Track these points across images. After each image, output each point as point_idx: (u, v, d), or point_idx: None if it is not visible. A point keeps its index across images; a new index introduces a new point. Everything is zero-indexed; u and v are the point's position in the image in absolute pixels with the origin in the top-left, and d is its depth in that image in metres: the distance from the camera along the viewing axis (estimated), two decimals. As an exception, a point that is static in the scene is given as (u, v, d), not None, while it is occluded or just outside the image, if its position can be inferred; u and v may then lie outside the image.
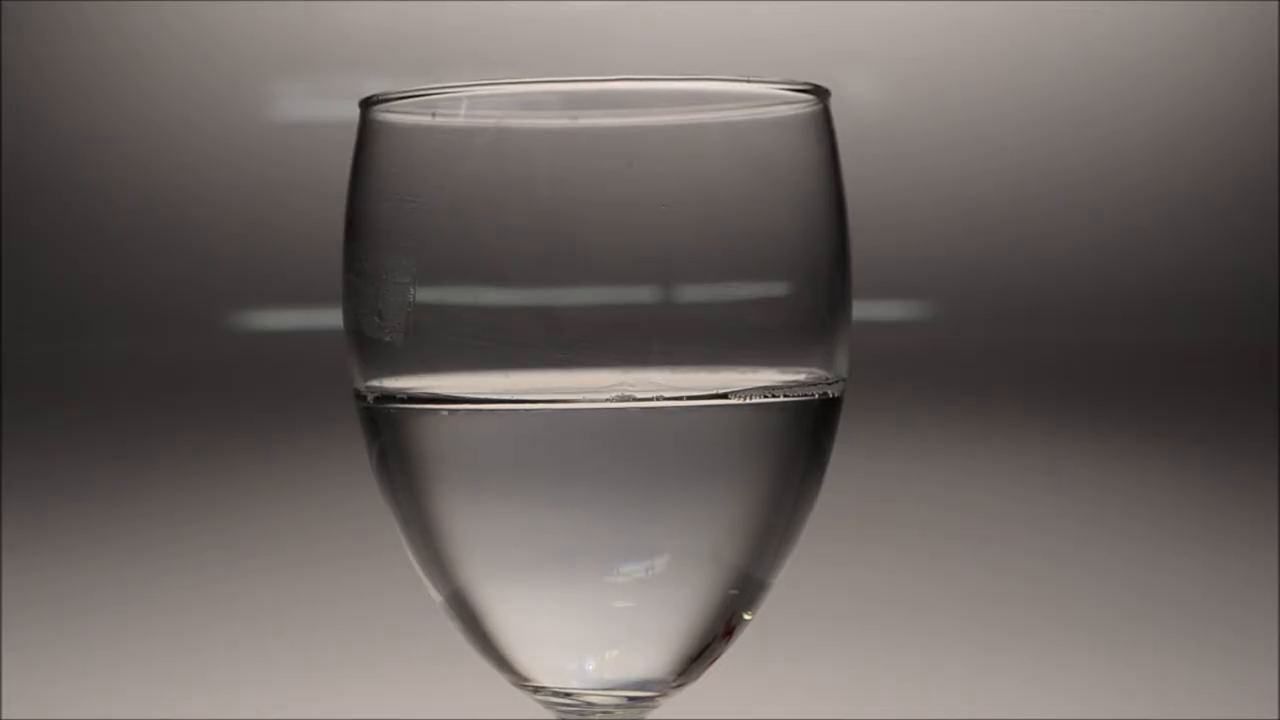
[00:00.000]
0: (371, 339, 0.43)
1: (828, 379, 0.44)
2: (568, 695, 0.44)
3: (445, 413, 0.42)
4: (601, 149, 0.42)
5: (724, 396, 0.42)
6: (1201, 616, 0.89)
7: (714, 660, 0.45)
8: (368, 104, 0.44)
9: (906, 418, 1.36)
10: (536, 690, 0.45)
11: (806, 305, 0.43)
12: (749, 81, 0.43)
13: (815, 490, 0.45)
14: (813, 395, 0.43)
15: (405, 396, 0.43)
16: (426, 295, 0.42)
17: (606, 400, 0.41)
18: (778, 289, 0.43)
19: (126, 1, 1.69)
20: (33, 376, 1.50)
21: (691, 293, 0.42)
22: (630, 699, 0.45)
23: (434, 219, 0.42)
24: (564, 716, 0.45)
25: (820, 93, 0.44)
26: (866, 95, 1.69)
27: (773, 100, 0.43)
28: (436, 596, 0.45)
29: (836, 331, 0.44)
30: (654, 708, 0.45)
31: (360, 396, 0.44)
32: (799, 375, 0.43)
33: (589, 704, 0.44)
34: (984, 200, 1.66)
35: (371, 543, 0.79)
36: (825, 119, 0.44)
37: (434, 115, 0.42)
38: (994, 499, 1.15)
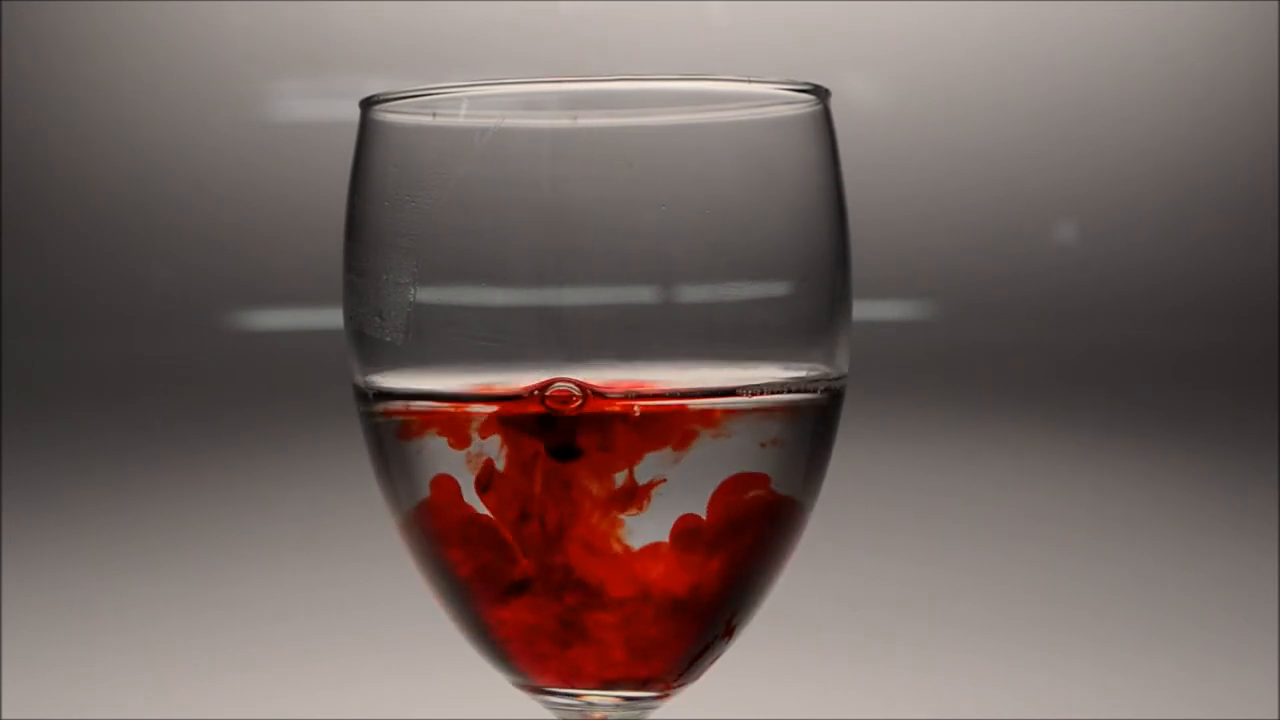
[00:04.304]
0: (372, 339, 0.43)
1: (829, 376, 0.44)
2: (569, 695, 0.44)
3: (445, 411, 0.42)
4: (602, 149, 0.42)
5: (726, 394, 0.42)
6: (1203, 616, 0.89)
7: (714, 660, 0.45)
8: (368, 104, 0.44)
9: (907, 416, 1.36)
10: (537, 691, 0.45)
11: (807, 304, 0.43)
12: (749, 81, 0.43)
13: (816, 488, 0.45)
14: (814, 392, 0.43)
15: (405, 395, 0.43)
16: (426, 295, 0.42)
17: (607, 399, 0.41)
18: (779, 288, 0.43)
19: (126, 1, 1.69)
20: (33, 376, 1.50)
21: (693, 292, 0.42)
22: (630, 699, 0.45)
23: (434, 219, 0.42)
24: (565, 717, 0.45)
25: (820, 93, 0.44)
26: (866, 95, 1.69)
27: (773, 100, 0.43)
28: (437, 597, 0.45)
29: (837, 329, 0.44)
30: (654, 708, 0.45)
31: (361, 396, 0.44)
32: (800, 373, 0.43)
33: (589, 704, 0.44)
34: (984, 200, 1.66)
35: (371, 543, 0.79)
36: (825, 119, 0.44)
37: (434, 115, 0.42)
38: (994, 497, 1.15)
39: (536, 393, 0.41)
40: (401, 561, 0.46)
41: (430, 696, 0.75)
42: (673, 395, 0.42)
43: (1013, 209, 1.66)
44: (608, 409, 0.41)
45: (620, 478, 0.42)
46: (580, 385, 0.41)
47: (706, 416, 0.42)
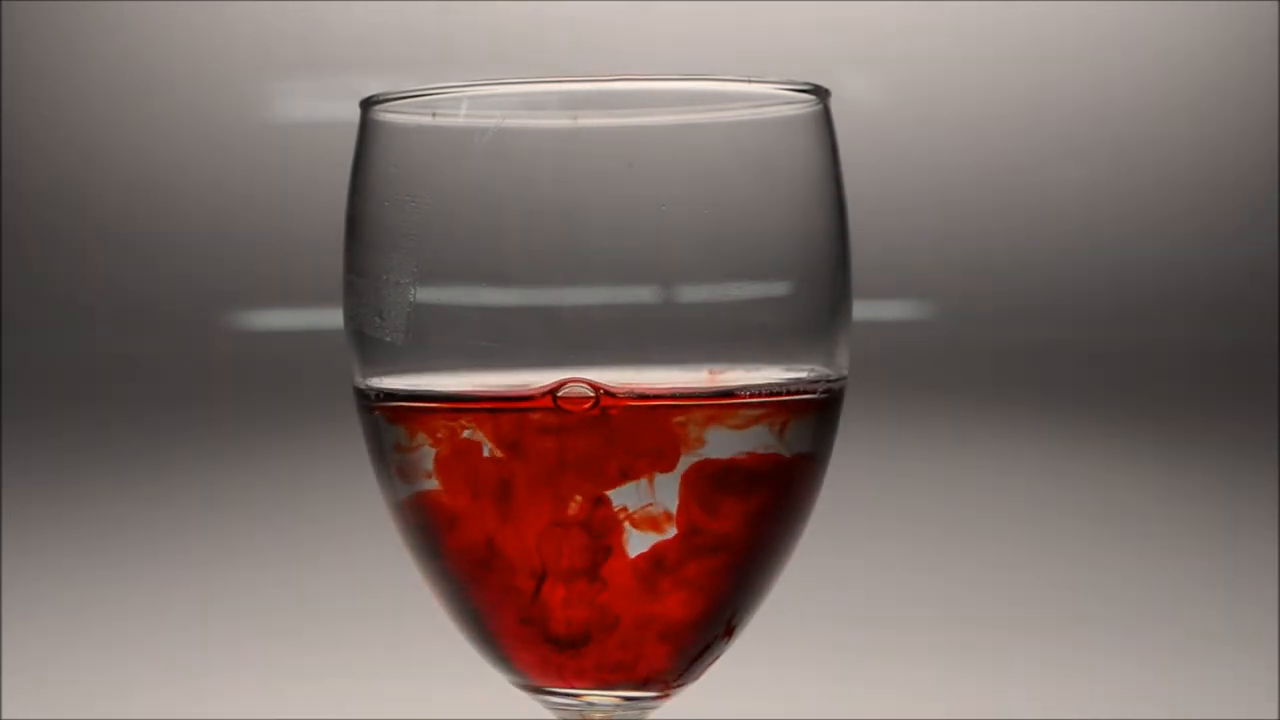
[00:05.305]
0: (372, 339, 0.43)
1: (829, 376, 0.44)
2: (569, 695, 0.44)
3: (445, 411, 0.42)
4: (602, 149, 0.42)
5: (727, 395, 0.42)
6: (1203, 615, 0.89)
7: (714, 660, 0.45)
8: (368, 104, 0.44)
9: (907, 416, 1.36)
10: (537, 691, 0.45)
11: (808, 304, 0.43)
12: (749, 82, 0.43)
13: (816, 488, 0.45)
14: (814, 393, 0.43)
15: (406, 395, 0.43)
16: (426, 295, 0.42)
17: (607, 399, 0.41)
18: (779, 288, 0.43)
19: (127, 3, 1.69)
20: (33, 376, 1.50)
21: (693, 292, 0.42)
22: (630, 699, 0.45)
23: (434, 219, 0.42)
24: (565, 717, 0.45)
25: (820, 93, 0.44)
26: (866, 95, 1.69)
27: (773, 100, 0.43)
28: (437, 597, 0.45)
29: (837, 329, 0.44)
30: (654, 708, 0.45)
31: (361, 396, 0.44)
32: (801, 373, 0.43)
33: (590, 704, 0.44)
34: (984, 200, 1.66)
35: (371, 543, 0.79)
36: (825, 119, 0.44)
37: (434, 115, 0.42)
38: (993, 495, 1.15)
39: (549, 394, 0.41)
40: (401, 562, 0.46)
41: (430, 696, 0.75)
42: (674, 396, 0.42)
43: (1013, 209, 1.66)
44: (613, 412, 0.41)
45: (620, 479, 0.42)
46: (593, 386, 0.41)
47: (707, 417, 0.42)
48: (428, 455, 0.43)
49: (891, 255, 1.59)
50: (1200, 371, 1.50)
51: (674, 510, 0.42)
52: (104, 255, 1.63)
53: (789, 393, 0.43)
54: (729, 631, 0.45)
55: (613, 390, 0.41)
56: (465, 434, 0.42)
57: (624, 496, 0.42)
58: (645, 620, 0.43)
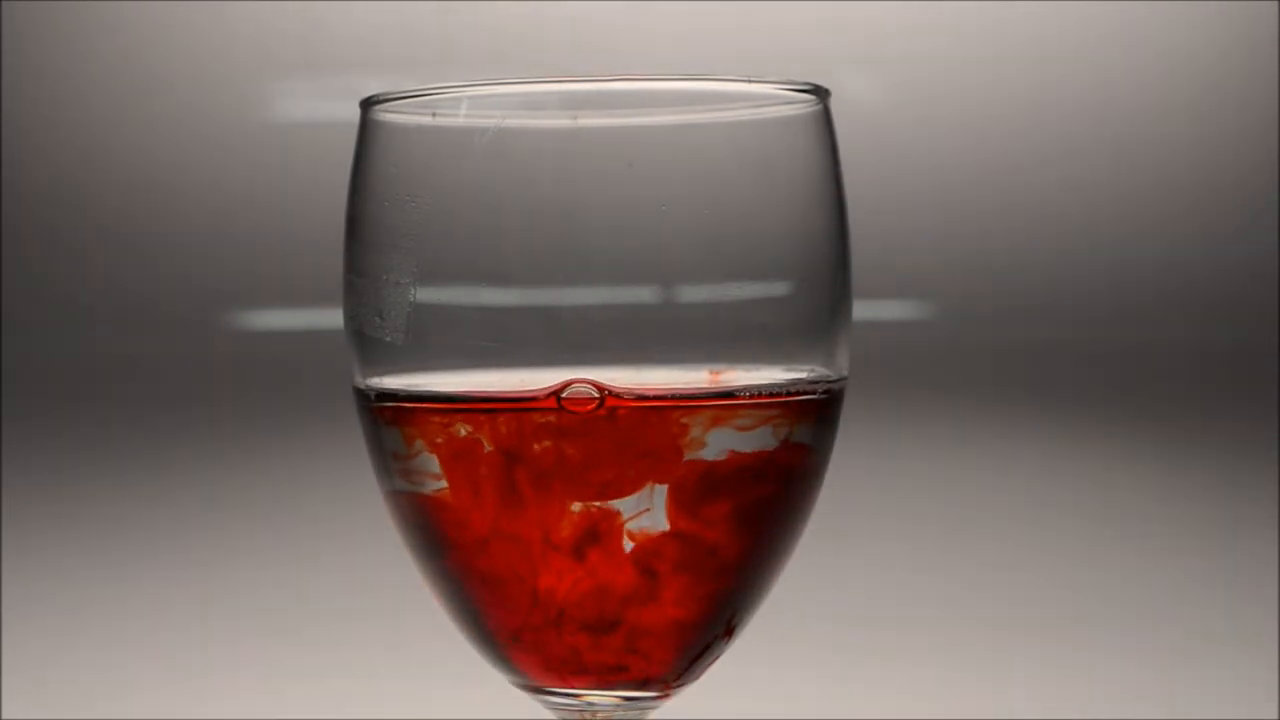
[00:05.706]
0: (372, 339, 0.43)
1: (829, 377, 0.44)
2: (569, 695, 0.44)
3: (446, 412, 0.42)
4: (602, 149, 0.42)
5: (727, 395, 0.42)
6: (1203, 615, 0.89)
7: (714, 660, 0.45)
8: (368, 104, 0.44)
9: (907, 415, 1.36)
10: (537, 691, 0.45)
11: (807, 304, 0.43)
12: (749, 82, 0.43)
13: (817, 488, 0.45)
14: (815, 393, 0.43)
15: (406, 395, 0.43)
16: (426, 295, 0.42)
17: (612, 399, 0.41)
18: (779, 288, 0.43)
19: (127, 2, 1.69)
20: (33, 376, 1.50)
21: (693, 292, 0.42)
22: (630, 699, 0.45)
23: (434, 219, 0.42)
24: (565, 717, 0.45)
25: (820, 93, 0.44)
26: (866, 95, 1.69)
27: (773, 100, 0.43)
28: (438, 597, 0.45)
29: (837, 330, 0.44)
30: (654, 708, 0.45)
31: (361, 396, 0.44)
32: (801, 373, 0.43)
33: (589, 704, 0.44)
34: (984, 200, 1.66)
35: (372, 543, 0.79)
36: (825, 119, 0.44)
37: (434, 115, 0.42)
38: (993, 495, 1.15)
39: (553, 395, 0.41)
40: (401, 562, 0.46)
41: (430, 696, 0.75)
42: (674, 397, 0.42)
43: (1013, 209, 1.66)
44: (618, 412, 0.41)
45: (623, 479, 0.42)
46: (597, 386, 0.41)
47: (710, 417, 0.42)
48: (428, 456, 0.43)
49: (891, 255, 1.59)
50: (1200, 371, 1.50)
51: (675, 510, 0.42)
52: (104, 255, 1.63)
53: (790, 393, 0.43)
54: (729, 631, 0.45)
55: (617, 391, 0.41)
56: (467, 434, 0.42)
57: (626, 497, 0.42)
58: (645, 620, 0.43)
